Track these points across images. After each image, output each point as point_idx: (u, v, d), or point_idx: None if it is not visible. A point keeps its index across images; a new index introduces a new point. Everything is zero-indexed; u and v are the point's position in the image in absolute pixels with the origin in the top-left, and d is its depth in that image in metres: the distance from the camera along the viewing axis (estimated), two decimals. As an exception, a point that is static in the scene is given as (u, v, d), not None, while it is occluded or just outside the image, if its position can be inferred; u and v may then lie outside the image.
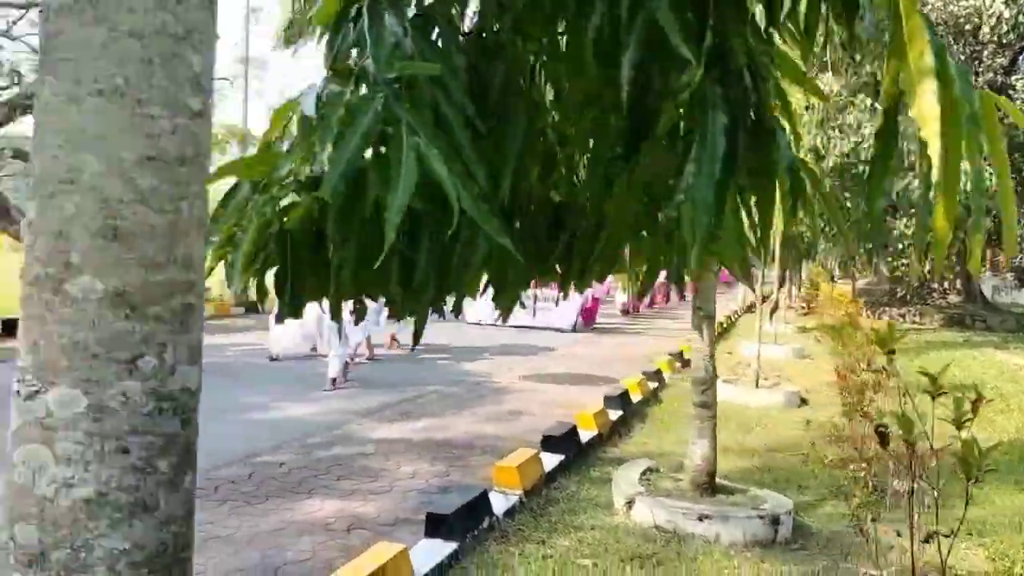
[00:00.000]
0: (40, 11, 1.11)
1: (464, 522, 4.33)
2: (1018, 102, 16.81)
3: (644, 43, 1.32)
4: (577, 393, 9.65)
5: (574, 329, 17.06)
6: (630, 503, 4.95)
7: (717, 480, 5.21)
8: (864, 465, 4.29)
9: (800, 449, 7.23)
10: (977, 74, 18.53)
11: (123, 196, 1.07)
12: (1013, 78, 18.99)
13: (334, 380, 9.17)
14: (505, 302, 1.73)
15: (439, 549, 4.08)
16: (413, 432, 7.28)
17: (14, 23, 17.74)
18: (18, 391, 1.08)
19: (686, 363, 12.34)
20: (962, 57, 18.77)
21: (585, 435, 6.68)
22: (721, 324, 18.54)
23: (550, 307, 16.58)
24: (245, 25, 19.19)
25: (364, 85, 1.34)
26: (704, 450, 5.09)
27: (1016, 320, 21.14)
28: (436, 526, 4.22)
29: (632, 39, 1.32)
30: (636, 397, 8.64)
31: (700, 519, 4.67)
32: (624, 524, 4.84)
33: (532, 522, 4.87)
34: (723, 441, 7.30)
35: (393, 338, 12.54)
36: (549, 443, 6.09)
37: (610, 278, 19.48)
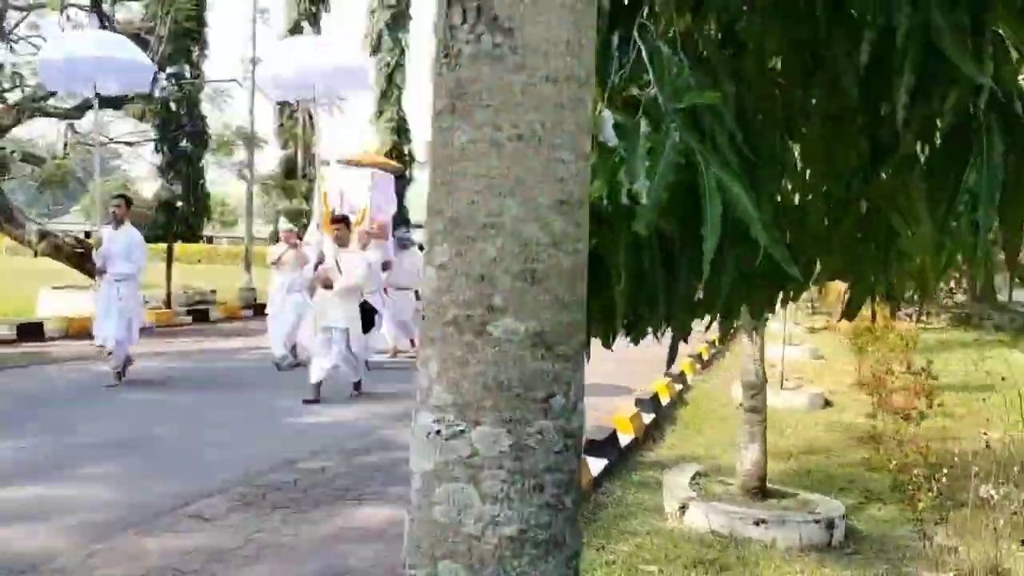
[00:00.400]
0: (442, 58, 1.11)
1: (527, 529, 4.34)
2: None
3: (918, 67, 1.35)
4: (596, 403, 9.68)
5: None
6: (683, 508, 4.97)
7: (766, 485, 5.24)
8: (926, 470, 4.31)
9: (832, 451, 7.26)
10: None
11: (540, 239, 1.10)
12: None
13: (357, 384, 9.14)
14: (729, 326, 1.75)
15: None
16: (448, 436, 7.28)
17: (16, 25, 17.77)
18: (438, 431, 1.10)
19: (706, 365, 12.39)
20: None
21: (623, 439, 6.70)
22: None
23: None
24: (252, 25, 19.15)
25: (651, 115, 1.35)
26: (755, 455, 5.11)
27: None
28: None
29: (907, 64, 1.34)
30: (664, 400, 8.67)
31: (757, 523, 4.69)
32: (679, 529, 4.86)
33: (588, 527, 4.88)
34: (756, 443, 7.37)
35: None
36: (592, 448, 6.09)
37: None
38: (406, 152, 29.73)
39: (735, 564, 4.33)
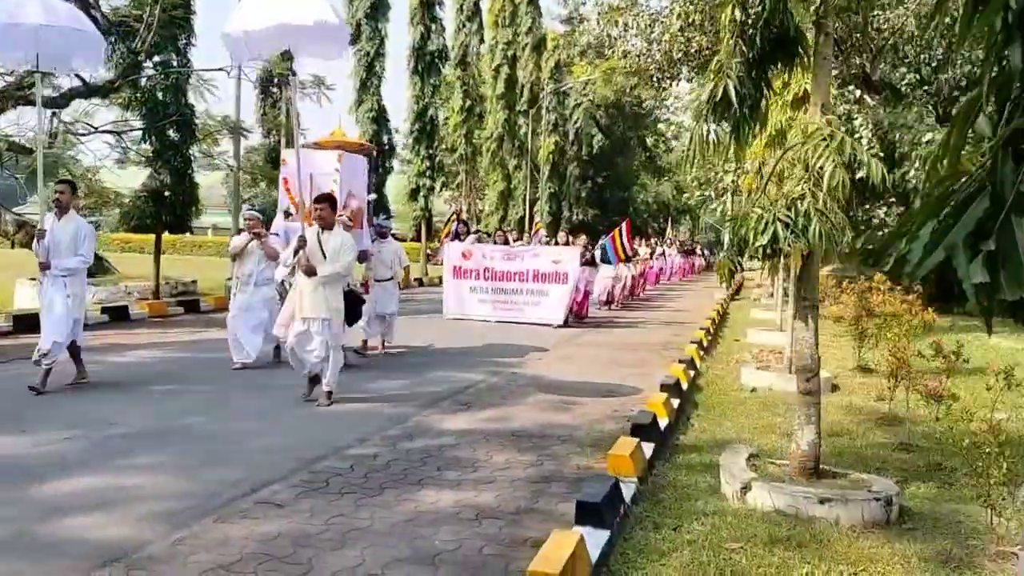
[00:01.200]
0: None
1: (611, 510, 4.44)
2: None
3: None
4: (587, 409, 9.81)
5: (565, 324, 16.00)
6: (745, 489, 5.10)
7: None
8: (998, 448, 4.48)
9: (855, 434, 7.45)
10: (954, 65, 18.97)
11: None
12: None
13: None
14: None
15: (595, 536, 4.18)
16: (482, 423, 7.36)
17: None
18: None
19: (706, 350, 12.58)
20: (940, 52, 19.27)
21: (662, 424, 6.82)
22: (718, 311, 18.86)
23: (538, 300, 16.16)
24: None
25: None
26: (811, 436, 5.26)
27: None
28: (587, 514, 4.32)
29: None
30: (684, 385, 8.81)
31: (821, 502, 4.84)
32: (743, 510, 4.99)
33: (655, 509, 5.01)
34: (781, 425, 7.55)
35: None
36: (638, 431, 6.21)
37: (586, 269, 17.53)
38: (385, 142, 29.71)
39: (810, 541, 4.47)
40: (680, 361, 10.02)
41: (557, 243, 18.89)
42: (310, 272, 7.78)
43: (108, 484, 5.22)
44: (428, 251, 32.58)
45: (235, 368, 9.68)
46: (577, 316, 17.26)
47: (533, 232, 22.06)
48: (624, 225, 20.35)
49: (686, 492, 5.37)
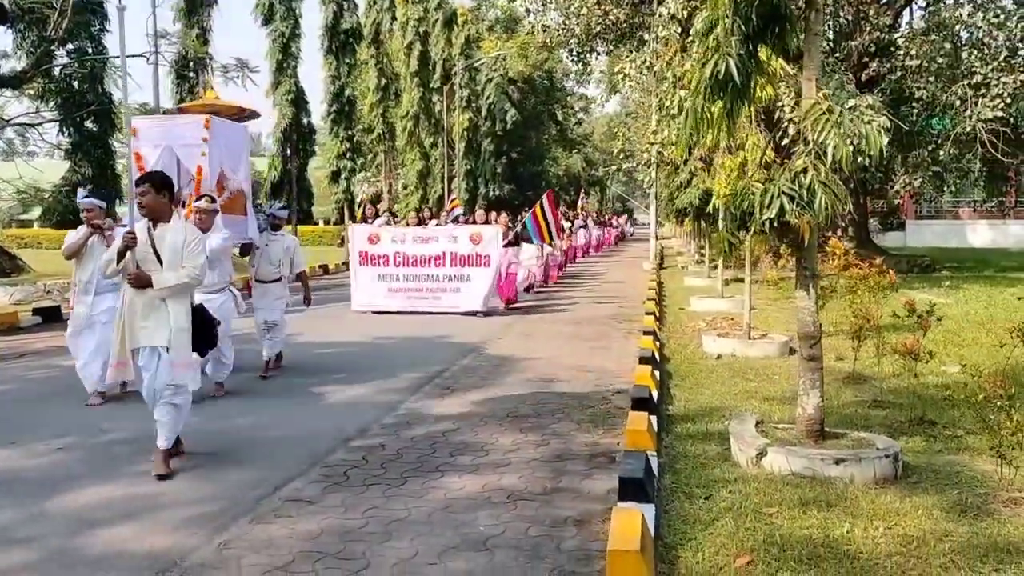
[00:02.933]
0: None
1: (650, 483, 4.56)
2: (900, 54, 17.98)
3: None
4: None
5: (487, 312, 14.39)
6: (760, 454, 5.29)
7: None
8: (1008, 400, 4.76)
9: (828, 394, 7.75)
10: (863, 31, 19.68)
11: None
12: (895, 35, 20.15)
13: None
14: None
15: (643, 511, 4.29)
16: (473, 406, 7.40)
17: None
18: None
19: (659, 321, 12.86)
20: (848, 18, 19.96)
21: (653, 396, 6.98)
22: (655, 281, 19.24)
23: (457, 287, 14.48)
24: (152, -3, 18.17)
25: None
26: (816, 400, 5.48)
27: (906, 262, 22.75)
28: (630, 489, 4.42)
29: None
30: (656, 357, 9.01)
31: (837, 463, 5.06)
32: (762, 475, 5.17)
33: (678, 479, 5.15)
34: (758, 390, 7.82)
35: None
36: (638, 405, 6.34)
37: (508, 250, 15.84)
38: (305, 125, 29.17)
39: (836, 501, 4.68)
40: (644, 333, 10.22)
41: (475, 222, 16.86)
42: (140, 283, 5.44)
43: (125, 493, 5.08)
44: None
45: (92, 404, 7.48)
46: (506, 303, 15.49)
47: (448, 210, 20.06)
48: (546, 198, 16.59)
49: (700, 461, 5.53)
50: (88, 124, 16.25)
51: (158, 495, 5.04)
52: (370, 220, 16.62)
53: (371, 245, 14.82)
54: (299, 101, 29.04)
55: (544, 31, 24.00)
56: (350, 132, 31.47)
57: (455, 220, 17.03)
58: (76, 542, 4.32)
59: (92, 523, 4.57)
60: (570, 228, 28.35)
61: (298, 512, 4.74)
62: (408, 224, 16.23)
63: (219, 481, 5.30)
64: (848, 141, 4.96)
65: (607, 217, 55.54)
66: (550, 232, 16.35)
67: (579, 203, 39.69)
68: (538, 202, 16.40)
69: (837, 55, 20.29)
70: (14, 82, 15.80)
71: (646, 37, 21.11)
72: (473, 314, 14.12)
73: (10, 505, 4.87)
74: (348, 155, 31.19)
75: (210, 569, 3.98)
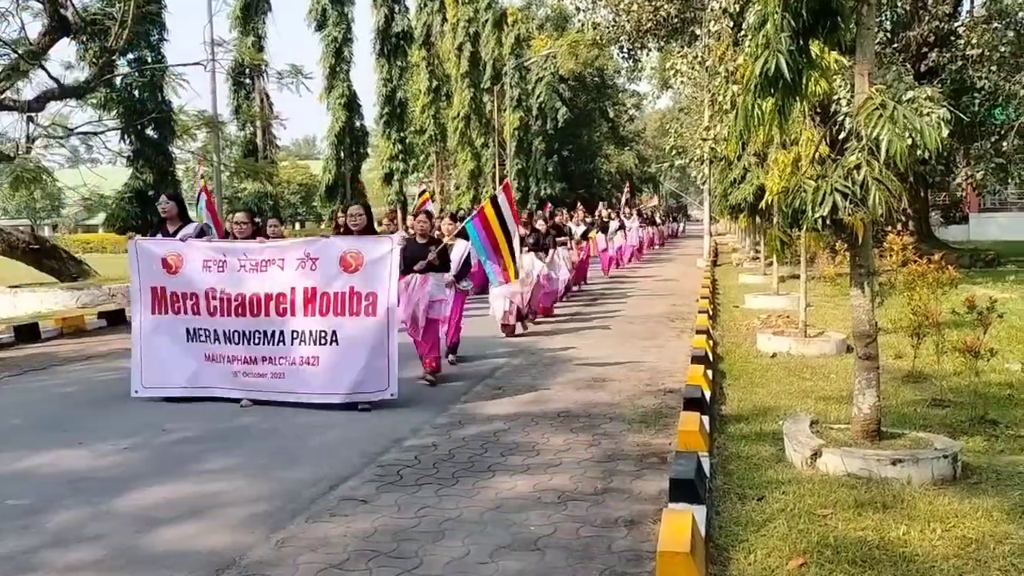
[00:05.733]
0: None
1: (702, 484, 4.54)
2: (960, 44, 17.51)
3: None
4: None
5: (369, 406, 7.48)
6: (815, 455, 5.23)
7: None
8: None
9: (886, 393, 7.61)
10: (921, 21, 19.22)
11: None
12: (955, 24, 19.65)
13: None
14: None
15: (694, 512, 4.27)
16: (524, 406, 7.43)
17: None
18: None
19: (713, 319, 12.74)
20: (906, 8, 19.49)
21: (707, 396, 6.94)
22: (709, 279, 19.05)
23: (311, 353, 7.58)
24: (209, 6, 18.56)
25: None
26: (872, 399, 5.39)
27: (969, 256, 22.19)
28: (681, 490, 4.41)
29: None
30: (709, 356, 8.94)
31: (894, 463, 4.98)
32: (816, 476, 5.10)
33: (730, 480, 5.12)
34: (813, 390, 7.72)
35: None
36: (690, 405, 6.30)
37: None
38: (358, 127, 29.54)
39: (893, 502, 4.60)
40: (698, 332, 10.14)
41: (440, 233, 10.19)
42: None
43: (190, 491, 5.22)
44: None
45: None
46: (542, 312, 13.10)
47: (416, 209, 14.14)
48: (503, 192, 9.37)
49: (753, 462, 5.49)
50: (149, 131, 16.61)
51: (218, 494, 5.17)
52: (341, 230, 10.06)
53: (168, 276, 7.94)
54: (352, 104, 29.46)
55: (594, 28, 23.94)
56: (402, 134, 31.83)
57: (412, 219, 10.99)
58: (140, 540, 4.46)
59: (156, 521, 4.71)
60: (587, 231, 19.94)
61: (353, 511, 4.82)
62: (440, 231, 10.27)
63: (276, 480, 5.41)
64: (904, 135, 4.87)
65: (651, 213, 42.98)
66: (512, 251, 9.06)
67: (623, 198, 33.60)
68: (488, 199, 9.26)
69: (895, 46, 19.86)
70: (78, 92, 16.29)
71: (698, 32, 20.96)
72: (351, 407, 7.38)
73: (79, 504, 5.04)
74: (400, 157, 31.55)
75: (268, 567, 4.07)
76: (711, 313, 13.00)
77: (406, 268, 8.35)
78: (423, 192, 17.44)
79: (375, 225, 8.62)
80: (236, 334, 7.75)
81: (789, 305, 14.03)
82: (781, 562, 3.90)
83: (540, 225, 13.36)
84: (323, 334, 7.54)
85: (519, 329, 12.04)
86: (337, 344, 7.49)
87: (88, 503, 5.04)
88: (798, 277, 14.57)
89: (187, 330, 7.90)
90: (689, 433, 5.42)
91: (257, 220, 8.97)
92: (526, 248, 12.02)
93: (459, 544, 4.30)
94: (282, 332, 7.62)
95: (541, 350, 10.57)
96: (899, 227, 25.44)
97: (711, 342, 10.02)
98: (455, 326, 9.61)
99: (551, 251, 13.11)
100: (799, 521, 4.36)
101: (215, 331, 7.81)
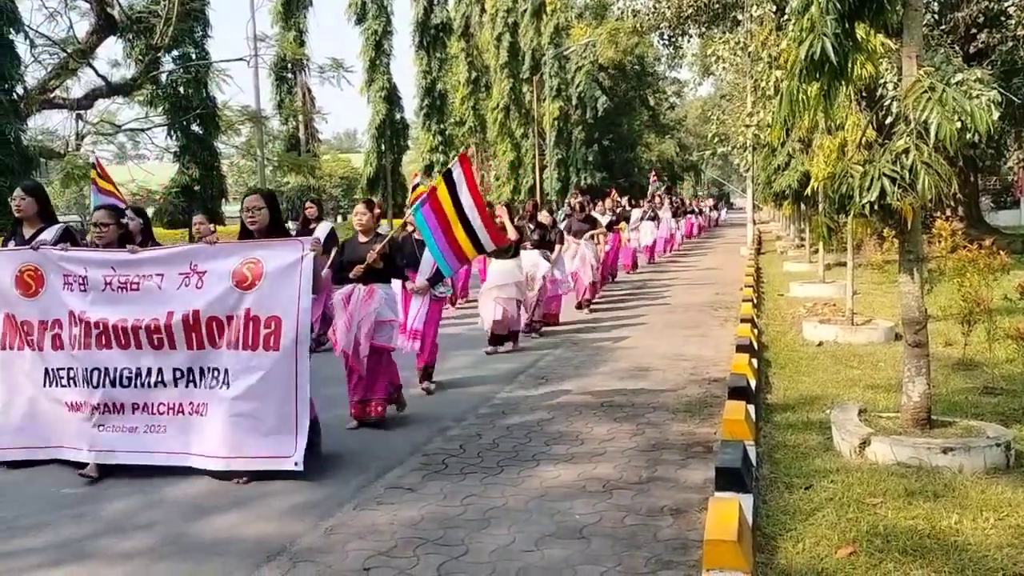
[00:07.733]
0: None
1: (748, 473, 4.52)
2: (1011, 24, 17.05)
3: None
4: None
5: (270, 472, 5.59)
6: (864, 444, 5.16)
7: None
8: None
9: (936, 380, 7.49)
10: (970, 2, 18.77)
11: None
12: (1005, 3, 19.16)
13: None
14: None
15: (740, 501, 4.25)
16: (568, 395, 7.44)
17: None
18: None
19: (757, 307, 12.62)
20: (956, -13, 19.03)
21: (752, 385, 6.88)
22: (754, 267, 18.84)
23: (197, 400, 5.54)
24: (251, 2, 18.79)
25: None
26: (922, 387, 5.31)
27: (1021, 241, 21.68)
28: (727, 479, 4.39)
29: None
30: (755, 345, 8.86)
31: (944, 452, 4.90)
32: (865, 464, 5.05)
33: (777, 469, 5.08)
34: (861, 378, 7.61)
35: None
36: (736, 394, 6.26)
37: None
38: (398, 120, 29.71)
39: (944, 491, 4.53)
40: (742, 320, 10.05)
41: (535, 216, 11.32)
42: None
43: (236, 481, 5.30)
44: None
45: None
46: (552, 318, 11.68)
47: (411, 200, 10.69)
48: (460, 164, 7.00)
49: (800, 451, 5.44)
50: (194, 127, 16.86)
51: (266, 483, 5.24)
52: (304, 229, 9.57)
53: (24, 299, 5.90)
54: (392, 97, 29.61)
55: (634, 16, 23.75)
56: (442, 126, 31.94)
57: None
58: (191, 528, 4.56)
59: (206, 510, 4.81)
60: (613, 222, 17.47)
61: (400, 499, 4.87)
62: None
63: (323, 469, 5.48)
64: (954, 118, 4.77)
65: (682, 202, 39.02)
66: (469, 229, 6.97)
67: (651, 188, 30.89)
68: (440, 176, 7.25)
69: (942, 27, 19.42)
70: (125, 89, 16.59)
71: (739, 17, 20.69)
72: (235, 476, 5.37)
73: (132, 493, 5.16)
74: (440, 148, 31.67)
75: (318, 553, 4.14)
76: (755, 301, 12.88)
77: (343, 276, 6.65)
78: (416, 186, 11.88)
79: (287, 222, 6.82)
80: (96, 373, 5.62)
81: (835, 293, 13.85)
82: (830, 551, 3.87)
83: (544, 218, 11.54)
84: (215, 373, 5.48)
85: (520, 342, 10.17)
86: (224, 387, 5.44)
87: (141, 492, 5.16)
88: (844, 264, 14.37)
89: (45, 370, 5.82)
90: (735, 422, 5.38)
91: (124, 221, 6.35)
92: (529, 245, 10.70)
93: (504, 532, 4.33)
94: (151, 374, 5.55)
95: (583, 340, 10.57)
96: (948, 212, 25.00)
97: (756, 331, 9.93)
98: (431, 344, 7.76)
99: (557, 248, 11.32)
100: (848, 510, 4.31)
101: (73, 371, 5.71)
